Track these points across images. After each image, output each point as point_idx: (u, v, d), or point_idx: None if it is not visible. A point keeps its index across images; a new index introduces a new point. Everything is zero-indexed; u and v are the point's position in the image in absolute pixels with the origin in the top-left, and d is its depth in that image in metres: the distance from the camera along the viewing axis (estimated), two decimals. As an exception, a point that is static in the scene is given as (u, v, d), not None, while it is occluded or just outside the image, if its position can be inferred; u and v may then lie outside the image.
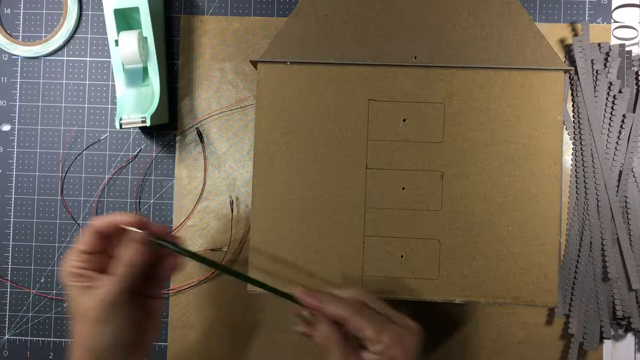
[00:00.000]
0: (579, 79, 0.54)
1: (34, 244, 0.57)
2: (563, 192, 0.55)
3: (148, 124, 0.51)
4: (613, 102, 0.54)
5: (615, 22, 0.57)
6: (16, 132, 0.58)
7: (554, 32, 0.56)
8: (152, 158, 0.58)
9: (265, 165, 0.48)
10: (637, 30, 0.57)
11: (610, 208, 0.54)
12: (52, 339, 0.57)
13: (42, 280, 0.57)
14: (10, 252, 0.57)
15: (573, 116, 0.55)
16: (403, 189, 0.47)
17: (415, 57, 0.48)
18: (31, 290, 0.57)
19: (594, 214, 0.54)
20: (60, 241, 0.57)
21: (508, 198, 0.47)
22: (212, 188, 0.57)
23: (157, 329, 0.44)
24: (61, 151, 0.58)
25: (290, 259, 0.47)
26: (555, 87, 0.47)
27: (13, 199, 0.58)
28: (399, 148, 0.47)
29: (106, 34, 0.55)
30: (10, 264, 0.57)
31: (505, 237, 0.47)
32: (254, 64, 0.48)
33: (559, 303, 0.53)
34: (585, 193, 0.55)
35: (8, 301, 0.57)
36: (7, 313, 0.57)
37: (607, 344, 0.55)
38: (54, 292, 0.57)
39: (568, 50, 0.56)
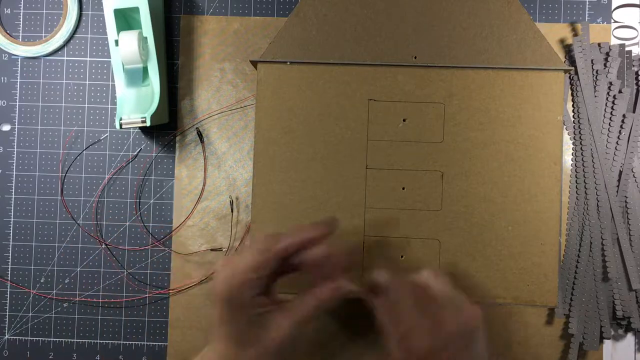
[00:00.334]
0: (579, 79, 0.54)
1: (34, 244, 0.57)
2: (563, 192, 0.55)
3: (148, 124, 0.51)
4: (613, 102, 0.54)
5: (615, 22, 0.57)
6: (16, 132, 0.58)
7: (554, 32, 0.56)
8: (152, 158, 0.58)
9: (265, 165, 0.48)
10: (637, 30, 0.57)
11: (610, 208, 0.54)
12: (52, 339, 0.57)
13: (42, 280, 0.57)
14: (10, 252, 0.57)
15: (573, 116, 0.55)
16: (403, 189, 0.47)
17: (415, 57, 0.48)
18: (31, 290, 0.57)
19: (594, 214, 0.54)
20: (60, 241, 0.57)
21: (508, 198, 0.47)
22: (212, 188, 0.57)
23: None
24: (61, 151, 0.58)
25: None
26: (555, 87, 0.47)
27: (13, 199, 0.58)
28: (399, 148, 0.47)
29: (106, 34, 0.55)
30: (10, 264, 0.57)
31: (505, 237, 0.47)
32: (254, 64, 0.48)
33: (559, 303, 0.53)
34: (585, 193, 0.55)
35: (8, 301, 0.57)
36: (7, 313, 0.57)
37: (607, 344, 0.55)
38: (54, 292, 0.57)
39: (568, 50, 0.56)
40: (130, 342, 0.57)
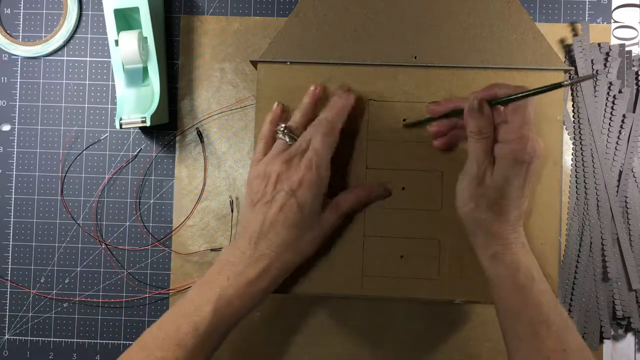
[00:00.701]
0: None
1: (34, 244, 0.57)
2: (563, 192, 0.55)
3: (148, 124, 0.51)
4: (613, 102, 0.54)
5: (615, 22, 0.57)
6: (16, 132, 0.58)
7: (554, 32, 0.56)
8: (152, 158, 0.58)
9: (265, 165, 0.48)
10: (637, 30, 0.57)
11: (610, 208, 0.54)
12: (52, 339, 0.57)
13: (42, 280, 0.57)
14: (10, 252, 0.57)
15: (573, 116, 0.55)
16: (403, 189, 0.47)
17: (415, 57, 0.48)
18: (31, 290, 0.57)
19: (594, 214, 0.54)
20: (60, 241, 0.57)
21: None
22: (212, 188, 0.57)
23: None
24: (61, 151, 0.58)
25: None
26: (555, 87, 0.47)
27: (13, 199, 0.58)
28: (399, 148, 0.47)
29: (106, 34, 0.55)
30: (10, 264, 0.57)
31: (505, 237, 0.47)
32: (254, 64, 0.48)
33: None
34: (585, 193, 0.55)
35: (8, 301, 0.57)
36: (7, 313, 0.57)
37: (607, 344, 0.55)
38: (54, 292, 0.57)
39: (568, 50, 0.56)
40: (130, 342, 0.57)
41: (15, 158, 0.58)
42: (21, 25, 0.58)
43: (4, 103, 0.58)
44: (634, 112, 0.54)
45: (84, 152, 0.58)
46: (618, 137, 0.54)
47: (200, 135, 0.57)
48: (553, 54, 0.47)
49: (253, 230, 0.43)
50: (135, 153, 0.58)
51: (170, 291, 0.57)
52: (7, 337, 0.57)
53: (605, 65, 0.54)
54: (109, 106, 0.58)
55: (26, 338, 0.57)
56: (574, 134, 0.55)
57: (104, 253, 0.57)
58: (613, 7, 0.57)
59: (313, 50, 0.48)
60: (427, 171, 0.47)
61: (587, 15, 0.57)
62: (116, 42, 0.52)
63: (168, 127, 0.57)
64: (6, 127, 0.58)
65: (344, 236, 0.47)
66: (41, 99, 0.58)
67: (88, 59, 0.58)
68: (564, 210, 0.55)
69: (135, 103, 0.53)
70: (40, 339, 0.57)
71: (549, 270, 0.46)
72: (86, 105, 0.58)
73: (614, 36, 0.56)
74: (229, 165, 0.57)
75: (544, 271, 0.43)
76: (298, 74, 0.48)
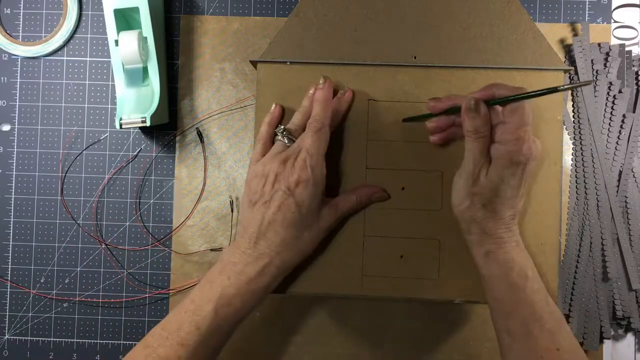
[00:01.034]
0: (579, 79, 0.54)
1: (34, 244, 0.57)
2: (563, 192, 0.55)
3: (148, 124, 0.51)
4: (613, 102, 0.54)
5: (615, 22, 0.57)
6: (16, 132, 0.58)
7: (554, 32, 0.56)
8: (152, 158, 0.58)
9: (265, 165, 0.48)
10: (637, 30, 0.57)
11: (610, 208, 0.54)
12: (52, 339, 0.57)
13: (42, 280, 0.57)
14: (10, 252, 0.57)
15: (573, 116, 0.55)
16: (403, 189, 0.47)
17: (415, 57, 0.48)
18: (31, 290, 0.57)
19: (594, 214, 0.54)
20: (60, 241, 0.57)
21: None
22: (212, 188, 0.57)
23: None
24: (61, 151, 0.58)
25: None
26: (555, 87, 0.47)
27: (13, 199, 0.58)
28: (399, 148, 0.47)
29: (106, 34, 0.55)
30: (10, 264, 0.57)
31: (505, 237, 0.47)
32: (254, 64, 0.48)
33: (559, 303, 0.53)
34: (585, 193, 0.55)
35: (8, 301, 0.57)
36: (7, 313, 0.57)
37: (607, 344, 0.55)
38: (54, 292, 0.57)
39: (568, 50, 0.56)
40: (131, 342, 0.57)
41: (15, 158, 0.58)
42: (21, 25, 0.58)
43: (4, 103, 0.58)
44: (634, 112, 0.54)
45: (84, 152, 0.58)
46: (618, 137, 0.54)
47: (200, 135, 0.57)
48: (553, 54, 0.47)
49: (253, 229, 0.43)
50: (135, 153, 0.58)
51: (170, 291, 0.57)
52: (7, 337, 0.57)
53: (605, 65, 0.54)
54: (109, 106, 0.58)
55: (26, 338, 0.57)
56: (574, 134, 0.55)
57: (104, 253, 0.57)
58: (613, 7, 0.57)
59: (313, 50, 0.48)
60: (427, 171, 0.47)
61: (587, 15, 0.57)
62: (116, 42, 0.52)
63: (168, 127, 0.57)
64: (6, 127, 0.58)
65: (344, 236, 0.47)
66: (41, 99, 0.58)
67: (88, 59, 0.58)
68: (564, 210, 0.55)
69: (135, 103, 0.53)
70: (40, 339, 0.57)
71: (549, 270, 0.46)
72: (86, 105, 0.58)
73: (614, 36, 0.56)
74: (229, 165, 0.57)
75: (544, 271, 0.43)
76: (298, 74, 0.48)
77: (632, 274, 0.53)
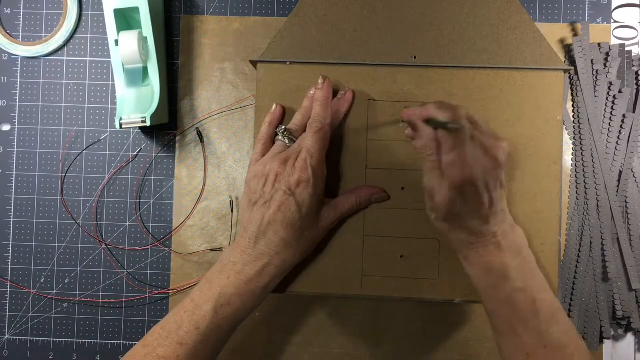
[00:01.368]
0: (579, 79, 0.54)
1: (34, 244, 0.57)
2: (563, 192, 0.55)
3: (148, 124, 0.51)
4: (613, 102, 0.54)
5: (615, 22, 0.57)
6: (16, 132, 0.58)
7: (554, 32, 0.56)
8: (152, 158, 0.58)
9: (265, 165, 0.48)
10: (637, 30, 0.57)
11: (610, 208, 0.54)
12: (52, 339, 0.57)
13: (42, 280, 0.57)
14: (10, 252, 0.57)
15: (573, 116, 0.55)
16: (403, 189, 0.47)
17: (415, 57, 0.48)
18: (31, 290, 0.57)
19: (594, 214, 0.54)
20: (60, 241, 0.57)
21: (508, 198, 0.47)
22: (212, 188, 0.57)
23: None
24: (61, 151, 0.58)
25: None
26: (555, 87, 0.47)
27: (13, 199, 0.58)
28: (399, 148, 0.47)
29: (106, 34, 0.56)
30: (10, 264, 0.57)
31: (505, 237, 0.47)
32: (254, 64, 0.48)
33: (559, 303, 0.53)
34: (585, 193, 0.55)
35: (8, 301, 0.57)
36: (7, 313, 0.57)
37: (607, 344, 0.55)
38: (54, 292, 0.57)
39: (568, 50, 0.56)
40: (130, 342, 0.57)
41: (15, 158, 0.58)
42: (21, 25, 0.58)
43: (4, 103, 0.58)
44: (634, 112, 0.54)
45: (84, 152, 0.58)
46: (618, 137, 0.54)
47: (200, 135, 0.57)
48: (553, 54, 0.47)
49: (252, 229, 0.43)
50: (135, 153, 0.58)
51: (170, 291, 0.57)
52: (7, 337, 0.57)
53: (605, 65, 0.54)
54: (109, 106, 0.58)
55: (26, 338, 0.57)
56: (574, 134, 0.55)
57: (104, 253, 0.57)
58: (613, 7, 0.57)
59: (313, 50, 0.48)
60: (427, 171, 0.47)
61: (587, 15, 0.57)
62: (116, 42, 0.52)
63: (168, 127, 0.57)
64: (6, 127, 0.58)
65: (344, 236, 0.47)
66: (41, 99, 0.58)
67: (88, 59, 0.58)
68: (564, 210, 0.55)
69: (135, 103, 0.53)
70: (40, 339, 0.57)
71: (549, 270, 0.46)
72: (86, 105, 0.58)
73: (614, 36, 0.56)
74: (229, 165, 0.57)
75: (544, 271, 0.43)
76: (298, 74, 0.48)
77: (632, 274, 0.53)
